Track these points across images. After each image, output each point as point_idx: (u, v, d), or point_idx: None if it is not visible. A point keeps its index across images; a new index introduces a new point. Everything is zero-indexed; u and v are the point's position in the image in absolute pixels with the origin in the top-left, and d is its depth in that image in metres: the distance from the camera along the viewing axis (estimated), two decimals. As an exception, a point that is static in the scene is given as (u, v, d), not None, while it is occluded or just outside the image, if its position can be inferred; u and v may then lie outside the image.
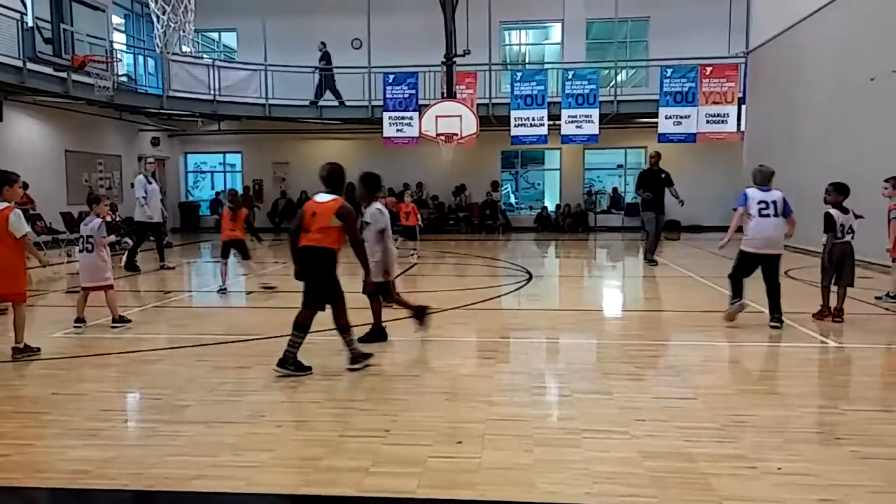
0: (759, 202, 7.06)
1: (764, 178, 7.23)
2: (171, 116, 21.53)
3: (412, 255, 13.75)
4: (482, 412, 4.41)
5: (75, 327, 7.10)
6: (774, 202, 7.04)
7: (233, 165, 25.03)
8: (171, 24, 11.44)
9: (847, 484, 3.34)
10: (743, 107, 18.66)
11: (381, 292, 6.44)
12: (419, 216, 14.66)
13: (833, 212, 7.21)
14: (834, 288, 7.38)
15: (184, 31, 11.66)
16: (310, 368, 5.41)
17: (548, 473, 3.48)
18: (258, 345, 6.44)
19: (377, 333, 6.59)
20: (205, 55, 22.79)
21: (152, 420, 4.43)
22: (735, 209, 7.25)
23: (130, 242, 12.47)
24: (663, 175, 12.79)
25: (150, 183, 12.01)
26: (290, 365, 5.35)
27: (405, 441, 3.92)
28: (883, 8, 11.44)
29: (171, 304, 9.04)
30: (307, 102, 20.40)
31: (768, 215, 7.02)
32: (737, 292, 7.30)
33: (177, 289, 10.54)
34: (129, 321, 7.44)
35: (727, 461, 3.61)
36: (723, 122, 18.67)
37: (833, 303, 7.36)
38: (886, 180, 8.28)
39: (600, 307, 9.32)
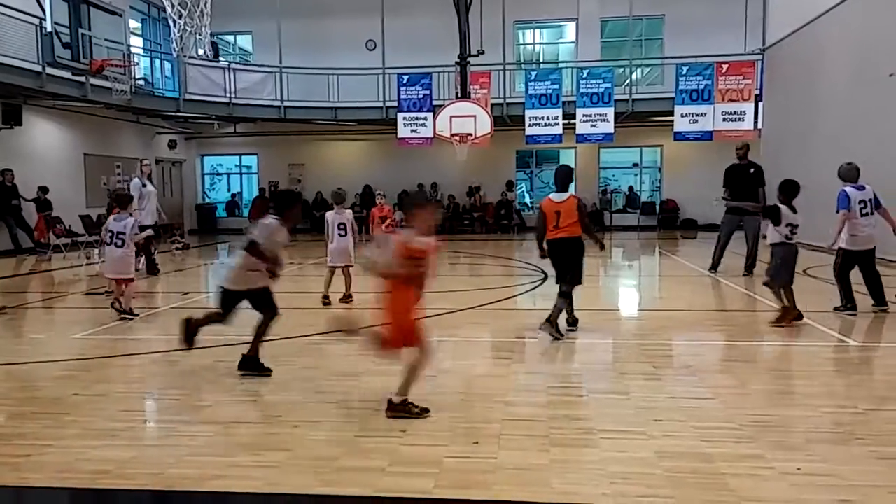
0: (860, 202, 7.27)
1: (856, 176, 7.43)
2: (187, 119, 21.73)
3: None
4: (498, 412, 4.41)
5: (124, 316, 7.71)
6: (870, 200, 7.29)
7: (249, 167, 25.21)
8: (187, 27, 11.52)
9: (867, 484, 3.30)
10: (760, 104, 18.50)
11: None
12: (395, 222, 13.43)
13: (782, 207, 6.95)
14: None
15: (200, 35, 11.74)
16: (561, 336, 6.47)
17: (564, 474, 3.47)
18: (274, 346, 6.44)
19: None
20: (221, 58, 22.96)
21: (171, 420, 4.47)
22: (838, 211, 7.30)
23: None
24: (752, 170, 10.93)
25: (144, 186, 11.79)
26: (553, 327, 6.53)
27: (422, 441, 3.93)
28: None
29: (189, 305, 9.11)
30: (320, 104, 20.53)
31: (867, 213, 7.26)
32: (849, 296, 7.45)
33: (194, 290, 10.61)
34: (137, 315, 7.80)
35: (745, 461, 3.58)
36: (740, 119, 18.52)
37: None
38: None
39: (616, 307, 9.28)
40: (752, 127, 18.53)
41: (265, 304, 5.41)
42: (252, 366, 5.37)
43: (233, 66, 20.94)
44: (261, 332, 5.40)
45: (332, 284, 8.68)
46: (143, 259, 12.33)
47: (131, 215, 8.04)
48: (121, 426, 4.27)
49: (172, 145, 22.80)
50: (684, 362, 5.96)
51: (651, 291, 11.07)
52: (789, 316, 6.95)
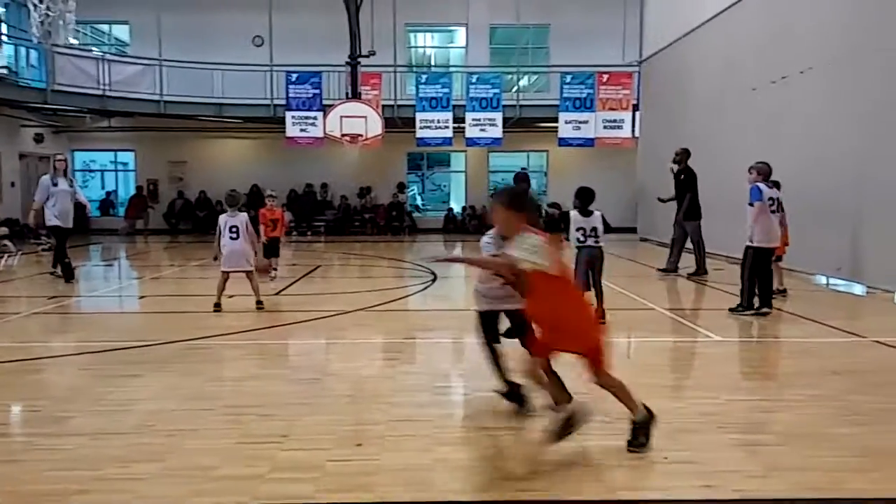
0: (769, 199, 7.50)
1: (768, 175, 7.66)
2: (56, 112, 20.26)
3: (271, 275, 10.58)
4: (383, 414, 4.39)
5: None
6: (778, 199, 7.60)
7: (125, 164, 23.84)
8: (49, 13, 10.70)
9: (728, 470, 3.53)
10: (637, 113, 19.51)
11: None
12: (286, 226, 11.77)
13: (572, 213, 7.29)
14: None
15: (63, 21, 10.93)
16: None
17: (446, 472, 3.50)
18: (149, 351, 6.14)
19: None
20: (94, 48, 21.62)
21: (30, 434, 4.15)
22: (752, 204, 7.40)
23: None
24: (682, 176, 11.23)
25: (55, 184, 10.51)
26: None
27: (304, 446, 3.85)
28: (763, 23, 12.25)
29: (54, 310, 8.49)
30: (204, 100, 19.76)
31: (774, 211, 7.54)
32: (752, 300, 7.52)
33: (62, 293, 9.89)
34: None
35: (617, 453, 3.74)
36: (618, 127, 19.47)
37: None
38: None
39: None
40: (629, 135, 19.53)
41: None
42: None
43: (107, 56, 19.75)
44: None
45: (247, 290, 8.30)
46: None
47: None
48: (-30, 442, 3.91)
49: (39, 139, 21.18)
50: (563, 359, 6.16)
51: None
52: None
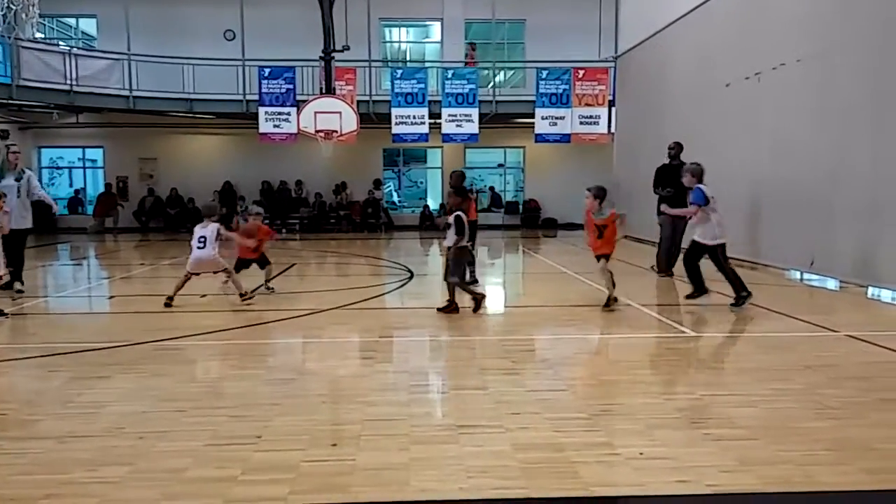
0: (711, 197, 7.69)
1: (702, 176, 7.90)
2: (21, 108, 19.84)
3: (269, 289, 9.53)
4: (359, 413, 4.35)
5: None
6: (714, 197, 7.73)
7: (94, 161, 23.46)
8: (11, 5, 10.39)
9: (701, 465, 3.54)
10: (613, 109, 19.61)
11: None
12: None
13: (462, 215, 7.64)
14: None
15: (27, 15, 10.61)
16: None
17: (423, 471, 3.46)
18: (120, 352, 6.02)
19: None
20: (60, 42, 21.20)
21: (-6, 438, 4.03)
22: (699, 205, 7.60)
23: None
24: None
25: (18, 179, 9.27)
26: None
27: (278, 447, 3.79)
28: (736, 19, 12.37)
29: (21, 311, 8.30)
30: (174, 95, 19.47)
31: (714, 210, 7.69)
32: (742, 284, 7.73)
33: (28, 294, 9.64)
34: (7, 315, 7.54)
35: (593, 449, 3.74)
36: (595, 123, 19.57)
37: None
38: (589, 189, 8.67)
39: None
40: (605, 131, 19.63)
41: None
42: None
43: (74, 51, 19.36)
44: None
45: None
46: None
47: None
48: (-68, 448, 3.79)
49: (4, 135, 20.73)
50: (541, 356, 6.18)
51: (513, 288, 11.41)
52: (451, 307, 7.76)
